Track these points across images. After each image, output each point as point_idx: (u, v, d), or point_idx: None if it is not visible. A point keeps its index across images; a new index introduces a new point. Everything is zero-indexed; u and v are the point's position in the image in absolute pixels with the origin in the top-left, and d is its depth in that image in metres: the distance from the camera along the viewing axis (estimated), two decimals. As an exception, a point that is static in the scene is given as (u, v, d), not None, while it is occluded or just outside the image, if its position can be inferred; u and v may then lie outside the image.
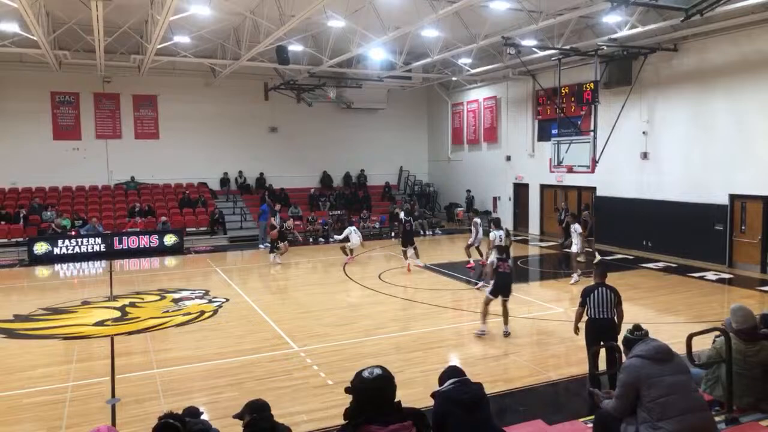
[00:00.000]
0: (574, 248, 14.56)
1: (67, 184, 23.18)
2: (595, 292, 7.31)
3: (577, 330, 7.65)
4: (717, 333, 5.54)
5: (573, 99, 20.16)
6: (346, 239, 18.14)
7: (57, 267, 18.25)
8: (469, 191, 26.15)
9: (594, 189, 20.11)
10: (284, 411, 6.71)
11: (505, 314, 10.10)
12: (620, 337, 6.75)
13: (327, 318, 11.49)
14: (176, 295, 13.64)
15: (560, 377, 8.11)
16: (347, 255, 18.08)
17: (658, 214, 17.49)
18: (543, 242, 21.34)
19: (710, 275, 14.84)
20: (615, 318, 7.29)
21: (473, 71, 22.33)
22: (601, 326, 7.25)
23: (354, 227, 18.62)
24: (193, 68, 23.33)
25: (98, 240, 19.75)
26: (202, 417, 4.55)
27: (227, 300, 13.13)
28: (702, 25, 15.15)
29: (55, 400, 7.58)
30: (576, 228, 14.57)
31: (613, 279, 13.99)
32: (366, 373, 3.09)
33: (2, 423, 6.96)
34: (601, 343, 7.12)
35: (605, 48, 16.71)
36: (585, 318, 7.44)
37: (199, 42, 19.30)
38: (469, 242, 16.41)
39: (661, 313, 11.55)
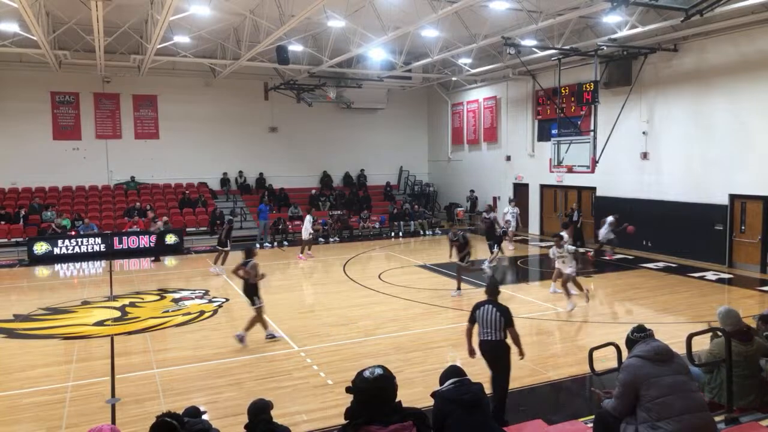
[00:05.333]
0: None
1: (67, 184, 23.19)
2: (482, 309, 6.65)
3: (471, 351, 6.85)
4: (712, 334, 5.55)
5: (573, 99, 20.16)
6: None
7: (57, 267, 18.25)
8: (472, 191, 26.13)
9: (594, 189, 20.11)
10: (284, 411, 6.71)
11: None
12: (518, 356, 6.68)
13: (327, 318, 11.50)
14: (176, 295, 13.64)
15: (560, 377, 8.12)
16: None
17: (658, 214, 17.49)
18: (543, 242, 21.33)
19: (710, 275, 14.84)
20: (505, 340, 6.59)
21: (473, 71, 22.33)
22: (484, 349, 6.62)
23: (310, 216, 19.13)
24: (193, 68, 23.33)
25: (98, 240, 19.75)
26: (204, 417, 4.55)
27: (227, 300, 13.13)
28: (702, 26, 15.15)
29: (55, 400, 7.59)
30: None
31: (613, 279, 14.11)
32: (367, 373, 3.09)
33: (2, 423, 6.96)
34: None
35: (605, 48, 16.71)
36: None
37: (199, 42, 19.30)
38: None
39: (661, 313, 11.55)
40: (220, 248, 16.82)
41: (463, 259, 13.37)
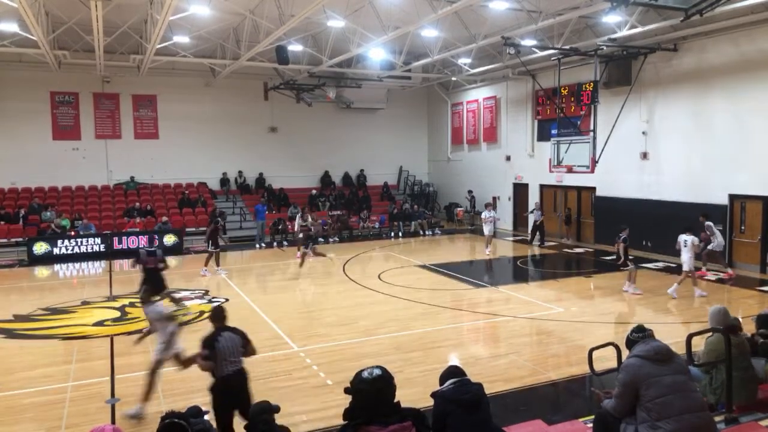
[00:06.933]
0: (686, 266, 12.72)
1: (67, 184, 23.18)
2: (221, 339, 5.78)
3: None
4: (708, 335, 5.57)
5: (573, 99, 20.17)
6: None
7: (57, 267, 18.24)
8: (471, 192, 26.13)
9: (594, 189, 20.11)
10: (284, 411, 6.64)
11: None
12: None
13: (327, 318, 11.50)
14: (176, 295, 13.62)
15: (560, 377, 8.11)
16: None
17: (657, 214, 17.48)
18: (543, 242, 21.32)
19: (710, 275, 14.83)
20: (244, 367, 5.92)
21: (473, 71, 22.33)
22: (232, 384, 5.69)
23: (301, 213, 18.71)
24: (192, 68, 23.32)
25: (98, 240, 19.74)
26: (205, 417, 4.55)
27: (227, 300, 13.12)
28: (701, 25, 15.15)
29: (55, 400, 7.58)
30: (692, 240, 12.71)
31: (613, 279, 14.09)
32: (365, 374, 3.09)
33: (2, 423, 6.96)
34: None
35: (605, 48, 16.71)
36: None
37: (198, 42, 19.30)
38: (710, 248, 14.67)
39: (661, 313, 11.56)
40: (210, 250, 16.54)
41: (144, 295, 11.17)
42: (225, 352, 5.72)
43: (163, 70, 22.53)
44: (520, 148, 23.52)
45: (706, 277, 14.56)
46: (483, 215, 19.85)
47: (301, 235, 16.87)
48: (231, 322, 11.26)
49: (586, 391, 7.79)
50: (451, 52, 19.08)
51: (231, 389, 5.67)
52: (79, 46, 19.10)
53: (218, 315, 6.14)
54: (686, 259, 12.58)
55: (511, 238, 22.40)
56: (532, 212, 21.29)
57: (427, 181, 29.79)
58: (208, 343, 5.77)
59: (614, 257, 13.42)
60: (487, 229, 19.26)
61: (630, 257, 13.35)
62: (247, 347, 5.99)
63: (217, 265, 16.38)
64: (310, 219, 16.67)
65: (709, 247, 14.68)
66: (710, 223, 14.71)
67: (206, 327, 10.93)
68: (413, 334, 10.25)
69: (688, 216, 16.46)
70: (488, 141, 25.56)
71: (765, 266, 14.95)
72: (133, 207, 22.33)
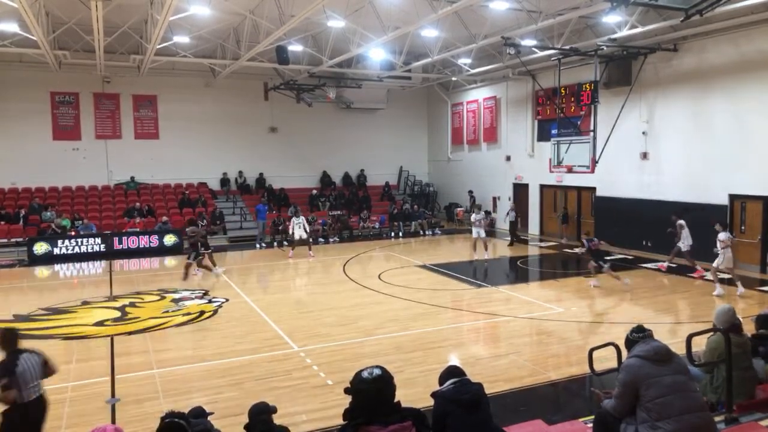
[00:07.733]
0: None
1: (67, 184, 23.18)
2: (20, 363, 5.11)
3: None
4: (710, 334, 5.57)
5: (573, 99, 20.17)
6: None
7: (57, 267, 18.24)
8: (471, 192, 26.14)
9: (594, 189, 20.11)
10: (284, 411, 6.69)
11: None
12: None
13: (327, 318, 11.50)
14: (176, 295, 13.63)
15: (560, 377, 8.11)
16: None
17: (658, 214, 17.45)
18: (543, 242, 21.34)
19: (710, 275, 14.80)
20: (43, 393, 5.36)
21: (473, 71, 22.34)
22: (31, 414, 5.12)
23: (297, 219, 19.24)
24: (192, 68, 23.33)
25: (98, 240, 19.75)
26: (209, 417, 4.55)
27: (227, 300, 13.13)
28: (701, 26, 15.15)
29: (55, 400, 7.53)
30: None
31: (612, 279, 14.07)
32: (365, 374, 3.09)
33: (2, 423, 6.95)
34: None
35: (605, 48, 16.71)
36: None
37: (198, 42, 19.31)
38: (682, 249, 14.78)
39: (661, 313, 11.56)
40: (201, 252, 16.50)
41: None
42: (26, 377, 5.07)
43: (163, 70, 22.54)
44: (520, 148, 23.52)
45: (705, 276, 14.55)
46: (472, 217, 18.63)
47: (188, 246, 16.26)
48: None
49: (586, 391, 7.80)
50: (451, 52, 19.09)
51: (28, 419, 5.01)
52: (79, 46, 19.11)
53: (9, 338, 5.34)
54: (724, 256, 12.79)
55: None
56: (508, 213, 21.37)
57: (427, 181, 29.79)
58: (6, 369, 5.04)
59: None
60: (474, 232, 17.95)
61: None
62: (47, 366, 5.36)
63: (214, 265, 16.32)
64: (196, 227, 15.79)
65: (678, 244, 14.84)
66: (682, 222, 14.83)
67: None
68: (413, 334, 10.25)
69: (688, 216, 16.49)
70: (488, 141, 25.56)
71: (765, 266, 14.95)
72: (133, 207, 22.34)
